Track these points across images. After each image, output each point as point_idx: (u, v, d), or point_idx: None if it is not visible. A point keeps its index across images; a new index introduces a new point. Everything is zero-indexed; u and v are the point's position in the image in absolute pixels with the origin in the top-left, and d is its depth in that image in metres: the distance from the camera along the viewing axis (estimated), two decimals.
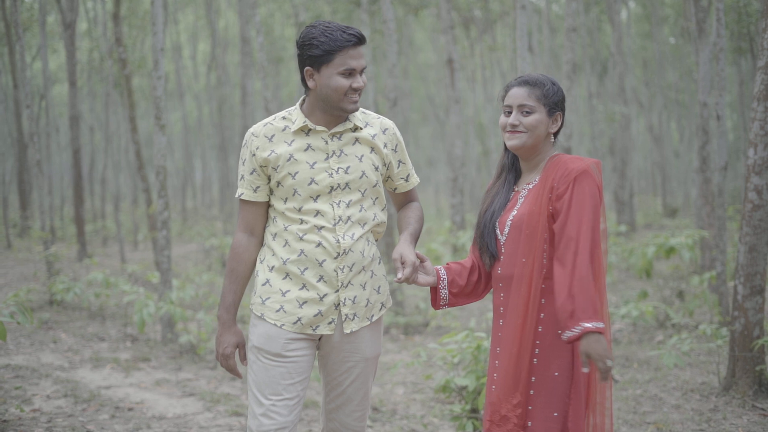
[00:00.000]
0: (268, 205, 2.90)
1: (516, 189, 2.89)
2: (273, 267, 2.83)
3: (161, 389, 6.07)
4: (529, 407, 2.69)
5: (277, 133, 2.85)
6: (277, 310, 2.81)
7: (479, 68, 26.98)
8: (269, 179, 2.84)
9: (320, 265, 2.78)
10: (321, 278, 2.78)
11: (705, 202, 9.20)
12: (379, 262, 2.93)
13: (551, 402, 2.67)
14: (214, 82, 27.66)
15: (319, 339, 2.88)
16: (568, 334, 2.54)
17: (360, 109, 2.91)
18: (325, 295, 2.79)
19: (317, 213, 2.79)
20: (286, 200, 2.82)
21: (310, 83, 2.80)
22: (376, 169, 2.89)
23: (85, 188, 26.42)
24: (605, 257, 2.69)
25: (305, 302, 2.79)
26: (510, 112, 2.83)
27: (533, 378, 2.69)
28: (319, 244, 2.77)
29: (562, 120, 2.86)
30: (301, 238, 2.79)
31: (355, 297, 2.82)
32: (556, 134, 2.87)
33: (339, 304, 2.81)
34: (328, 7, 19.30)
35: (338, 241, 2.78)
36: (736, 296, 5.17)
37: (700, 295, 7.93)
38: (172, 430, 5.02)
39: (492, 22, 22.40)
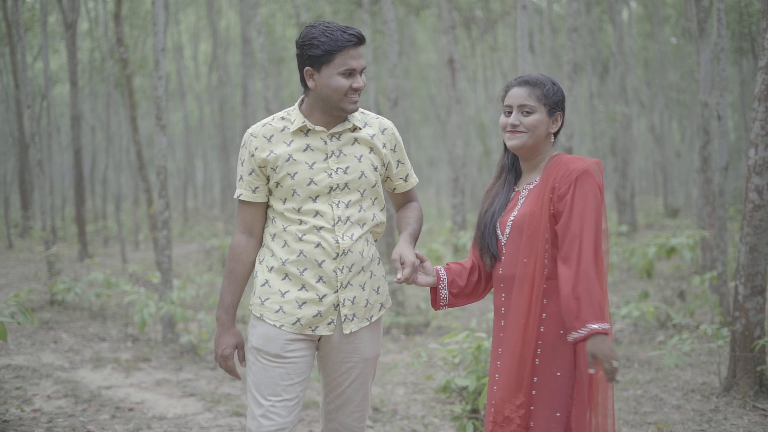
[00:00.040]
0: (267, 205, 2.90)
1: (516, 189, 2.89)
2: (272, 268, 2.83)
3: (162, 389, 6.07)
4: (532, 407, 2.69)
5: (276, 133, 2.85)
6: (277, 311, 2.80)
7: (480, 68, 26.98)
8: (268, 180, 2.84)
9: (319, 265, 2.77)
10: (320, 279, 2.78)
11: (706, 203, 9.19)
12: (379, 263, 2.93)
13: (554, 402, 2.67)
14: (215, 83, 27.68)
15: (319, 340, 2.87)
16: (574, 335, 2.55)
17: (359, 109, 2.91)
18: (324, 295, 2.78)
19: (316, 213, 2.79)
20: (285, 201, 2.81)
21: (309, 83, 2.79)
22: (375, 169, 2.88)
23: (87, 188, 26.43)
24: (607, 257, 2.69)
25: (304, 303, 2.79)
26: (510, 112, 2.82)
27: (535, 378, 2.69)
28: (318, 245, 2.77)
29: (563, 120, 2.86)
30: (300, 239, 2.79)
31: (354, 297, 2.82)
32: (556, 134, 2.87)
33: (338, 304, 2.80)
34: (329, 8, 19.30)
35: (337, 242, 2.77)
36: (737, 296, 5.17)
37: (701, 295, 7.92)
38: (173, 431, 5.01)
39: (493, 22, 22.39)
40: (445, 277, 2.91)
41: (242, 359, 2.93)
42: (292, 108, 2.91)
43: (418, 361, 5.09)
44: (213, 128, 30.87)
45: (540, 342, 2.69)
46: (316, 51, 2.72)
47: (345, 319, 2.81)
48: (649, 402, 5.40)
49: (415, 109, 35.29)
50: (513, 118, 2.80)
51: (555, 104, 2.82)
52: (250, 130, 2.88)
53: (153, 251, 13.49)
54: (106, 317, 9.26)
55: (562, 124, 2.86)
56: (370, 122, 2.92)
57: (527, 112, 2.79)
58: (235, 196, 2.90)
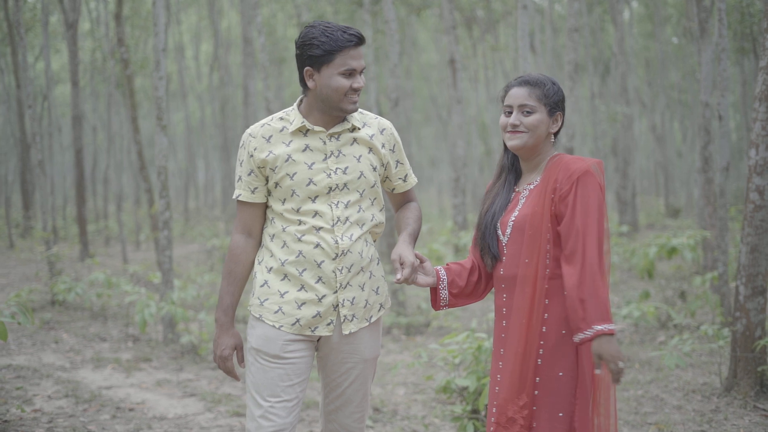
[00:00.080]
0: (265, 206, 2.89)
1: (517, 189, 2.88)
2: (271, 268, 2.82)
3: (162, 390, 6.07)
4: (534, 408, 2.69)
5: (275, 133, 2.84)
6: (276, 312, 2.80)
7: (482, 68, 26.98)
8: (267, 180, 2.83)
9: (319, 266, 2.77)
10: (319, 279, 2.78)
11: (707, 203, 9.19)
12: (378, 263, 2.93)
13: (556, 402, 2.67)
14: (216, 83, 27.68)
15: (318, 340, 2.87)
16: (580, 336, 2.55)
17: (358, 109, 2.90)
18: (323, 296, 2.78)
19: (315, 214, 2.78)
20: (284, 201, 2.81)
21: (309, 83, 2.79)
22: (374, 169, 2.88)
23: (88, 188, 26.45)
24: (608, 257, 2.69)
25: (304, 303, 2.78)
26: (510, 112, 2.82)
27: (538, 379, 2.69)
28: (317, 245, 2.77)
29: (563, 120, 2.86)
30: (299, 239, 2.78)
31: (353, 298, 2.81)
32: (556, 134, 2.87)
33: (338, 305, 2.80)
34: (330, 8, 19.31)
35: (337, 242, 2.77)
36: (737, 297, 5.16)
37: (702, 295, 7.91)
38: (173, 431, 5.01)
39: (494, 22, 22.40)
40: (444, 277, 2.90)
41: (241, 360, 2.92)
42: (290, 108, 2.90)
43: (419, 362, 5.09)
44: (214, 128, 30.88)
45: (542, 342, 2.69)
46: (317, 51, 2.72)
47: (344, 320, 2.81)
48: (649, 402, 5.40)
49: (416, 109, 35.29)
50: (513, 118, 2.79)
51: (555, 104, 2.82)
52: (248, 131, 2.87)
53: (154, 251, 13.50)
54: (107, 317, 9.26)
55: (562, 124, 2.86)
56: (368, 122, 2.92)
57: (527, 112, 2.78)
58: (233, 197, 2.89)
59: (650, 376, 6.05)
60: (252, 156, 2.82)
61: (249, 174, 2.84)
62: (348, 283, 2.80)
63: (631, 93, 21.30)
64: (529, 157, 2.84)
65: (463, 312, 9.20)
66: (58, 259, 10.61)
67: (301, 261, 2.77)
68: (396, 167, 2.99)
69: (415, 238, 2.91)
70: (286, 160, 2.79)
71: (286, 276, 2.79)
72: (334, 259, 2.77)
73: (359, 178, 2.82)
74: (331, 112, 2.81)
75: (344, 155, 2.83)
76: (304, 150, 2.81)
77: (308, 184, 2.78)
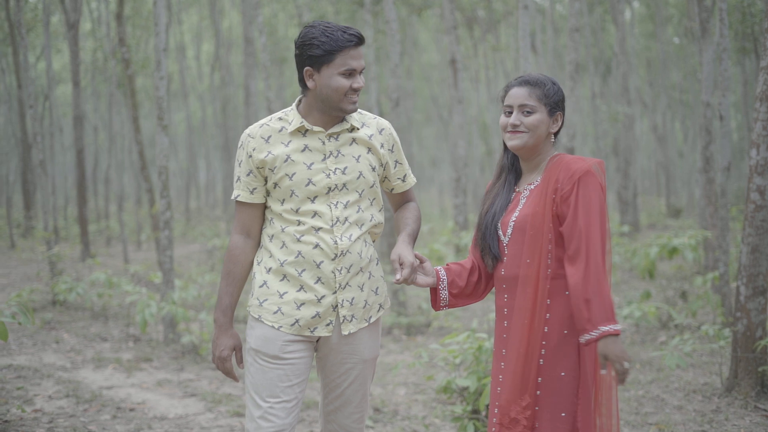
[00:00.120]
0: (264, 206, 2.89)
1: (517, 190, 2.88)
2: (270, 269, 2.82)
3: (163, 390, 6.07)
4: (536, 408, 2.69)
5: (274, 134, 2.84)
6: (275, 312, 2.79)
7: (483, 68, 26.98)
8: (266, 181, 2.83)
9: (318, 266, 2.76)
10: (319, 280, 2.77)
11: (708, 203, 9.18)
12: (377, 264, 2.92)
13: (558, 402, 2.67)
14: (217, 83, 27.70)
15: (317, 341, 2.86)
16: (585, 337, 2.56)
17: (357, 109, 2.90)
18: (323, 296, 2.78)
19: (315, 214, 2.78)
20: (283, 201, 2.81)
21: (309, 83, 2.78)
22: (373, 169, 2.88)
23: (89, 188, 26.44)
24: (609, 257, 2.69)
25: (303, 304, 2.78)
26: (510, 112, 2.82)
27: (540, 379, 2.68)
28: (316, 246, 2.76)
29: (563, 120, 2.86)
30: (298, 240, 2.78)
31: (353, 298, 2.81)
32: (556, 134, 2.86)
33: (337, 305, 2.79)
34: (331, 8, 19.32)
35: (336, 243, 2.76)
36: (738, 297, 5.16)
37: (703, 295, 7.91)
38: (174, 431, 5.01)
39: (495, 22, 22.39)
40: (444, 277, 2.90)
41: (240, 361, 2.92)
42: (289, 108, 2.90)
43: (419, 362, 5.09)
44: (215, 128, 30.90)
45: (544, 342, 2.69)
46: (317, 51, 2.71)
47: (344, 320, 2.81)
48: (650, 402, 5.39)
49: (417, 109, 35.29)
50: (513, 118, 2.79)
51: (555, 104, 2.82)
52: (247, 131, 2.87)
53: (155, 251, 13.49)
54: (108, 317, 9.27)
55: (562, 124, 2.86)
56: (367, 122, 2.92)
57: (528, 112, 2.78)
58: (232, 198, 2.89)
59: (651, 376, 6.05)
60: (251, 156, 2.82)
61: (248, 174, 2.84)
62: (347, 283, 2.79)
63: (632, 93, 21.29)
64: (530, 157, 2.84)
65: (463, 312, 9.20)
66: (59, 259, 10.61)
67: (300, 261, 2.77)
68: (395, 167, 2.98)
69: (414, 239, 2.91)
70: (285, 161, 2.78)
71: (285, 276, 2.79)
72: (333, 259, 2.76)
73: (358, 178, 2.82)
74: (330, 112, 2.81)
75: (343, 155, 2.82)
76: (303, 150, 2.80)
77: (307, 185, 2.77)
